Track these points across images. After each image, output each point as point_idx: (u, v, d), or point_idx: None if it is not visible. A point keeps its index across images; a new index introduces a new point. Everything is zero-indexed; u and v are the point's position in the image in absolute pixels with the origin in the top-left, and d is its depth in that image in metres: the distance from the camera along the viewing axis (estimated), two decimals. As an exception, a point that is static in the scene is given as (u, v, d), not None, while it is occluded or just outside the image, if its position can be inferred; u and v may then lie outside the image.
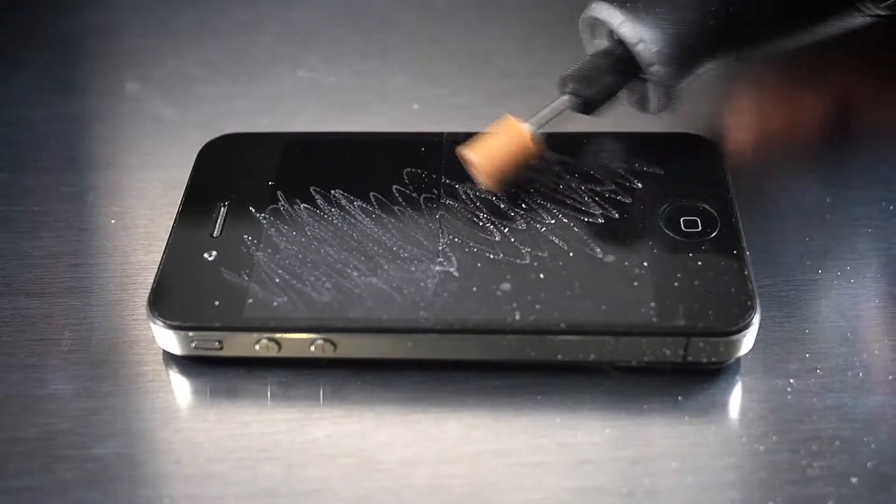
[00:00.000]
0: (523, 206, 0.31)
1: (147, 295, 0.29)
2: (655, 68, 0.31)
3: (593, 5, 0.32)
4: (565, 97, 0.31)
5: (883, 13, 0.32)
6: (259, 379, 0.29)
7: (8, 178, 0.36)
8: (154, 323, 0.29)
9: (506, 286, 0.29)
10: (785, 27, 0.32)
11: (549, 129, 0.31)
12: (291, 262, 0.30)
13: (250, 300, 0.29)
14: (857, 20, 0.33)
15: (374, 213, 0.31)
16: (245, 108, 0.39)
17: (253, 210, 0.32)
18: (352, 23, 0.43)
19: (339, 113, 0.39)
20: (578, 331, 0.28)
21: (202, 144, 0.34)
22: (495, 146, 0.31)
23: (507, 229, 0.31)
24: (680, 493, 0.26)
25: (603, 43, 0.32)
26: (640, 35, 0.30)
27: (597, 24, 0.32)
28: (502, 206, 0.31)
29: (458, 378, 0.29)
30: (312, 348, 0.29)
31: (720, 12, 0.31)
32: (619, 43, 0.31)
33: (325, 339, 0.28)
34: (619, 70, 0.31)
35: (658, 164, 0.32)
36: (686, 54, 0.31)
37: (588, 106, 0.31)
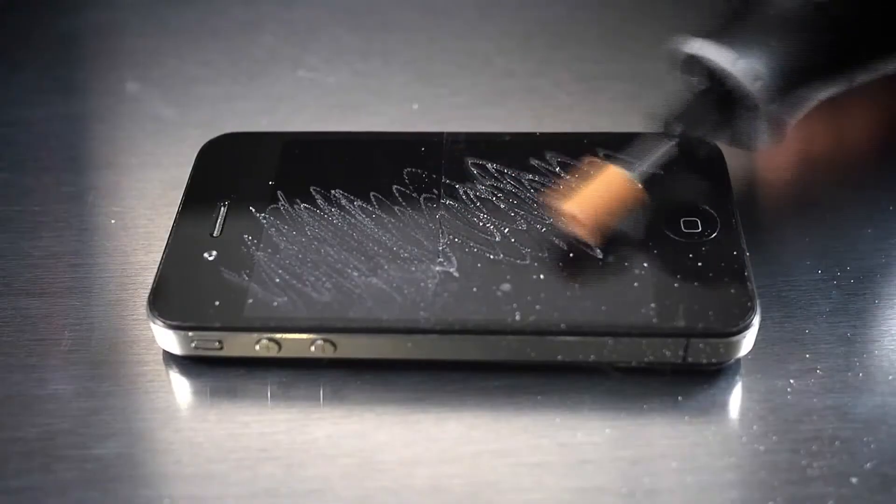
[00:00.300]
0: (523, 206, 0.31)
1: (147, 295, 0.29)
2: (769, 105, 0.30)
3: (687, 41, 0.30)
4: (671, 141, 0.30)
5: None
6: (259, 379, 0.29)
7: (8, 178, 0.36)
8: (154, 323, 0.29)
9: (506, 286, 0.29)
10: (878, 54, 0.31)
11: (648, 171, 0.30)
12: (291, 262, 0.30)
13: (250, 300, 0.29)
14: None
15: (375, 213, 0.31)
16: (245, 108, 0.39)
17: (253, 210, 0.32)
18: (352, 23, 0.43)
19: (339, 113, 0.39)
20: (578, 331, 0.28)
21: (202, 144, 0.34)
22: (594, 196, 0.29)
23: (507, 229, 0.31)
24: (680, 493, 0.26)
25: (699, 79, 0.31)
26: (753, 73, 0.29)
27: (694, 61, 0.30)
28: (502, 206, 0.31)
29: (458, 378, 0.29)
30: (312, 348, 0.29)
31: (827, 44, 0.30)
32: (721, 81, 0.30)
33: (325, 340, 0.28)
34: (723, 108, 0.30)
35: (658, 166, 0.32)
36: (794, 89, 0.30)
37: (690, 145, 0.31)
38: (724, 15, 0.31)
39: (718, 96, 0.30)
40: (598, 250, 0.30)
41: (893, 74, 0.32)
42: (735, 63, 0.29)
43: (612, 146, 0.33)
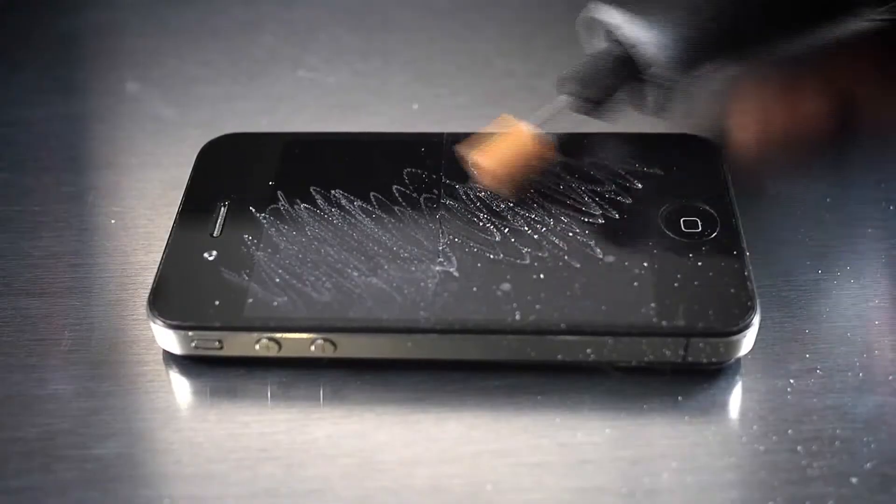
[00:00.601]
0: (523, 206, 0.31)
1: (147, 295, 0.29)
2: (653, 70, 0.31)
3: (591, 6, 0.32)
4: (563, 97, 0.31)
5: (881, 18, 0.32)
6: (259, 379, 0.29)
7: (8, 178, 0.36)
8: (154, 323, 0.29)
9: (506, 286, 0.29)
10: (784, 30, 0.32)
11: (548, 129, 0.31)
12: (291, 262, 0.30)
13: (250, 300, 0.29)
14: (858, 24, 0.33)
15: (375, 213, 0.31)
16: (245, 108, 0.39)
17: (253, 210, 0.32)
18: (352, 23, 0.43)
19: (339, 113, 0.39)
20: (578, 331, 0.28)
21: (202, 144, 0.34)
22: (499, 147, 0.31)
23: (507, 229, 0.31)
24: (680, 493, 0.26)
25: (601, 43, 0.32)
26: (637, 36, 0.30)
27: (595, 25, 0.32)
28: (502, 206, 0.31)
29: (458, 378, 0.29)
30: (312, 348, 0.29)
31: (719, 15, 0.31)
32: (618, 43, 0.31)
33: (325, 339, 0.28)
34: (617, 71, 0.31)
35: (658, 165, 0.32)
36: (685, 56, 0.31)
37: (586, 106, 0.31)
38: None
39: (615, 59, 0.31)
40: (598, 250, 0.30)
41: (783, 57, 0.34)
42: (619, 26, 0.31)
43: (612, 146, 0.33)
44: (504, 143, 0.31)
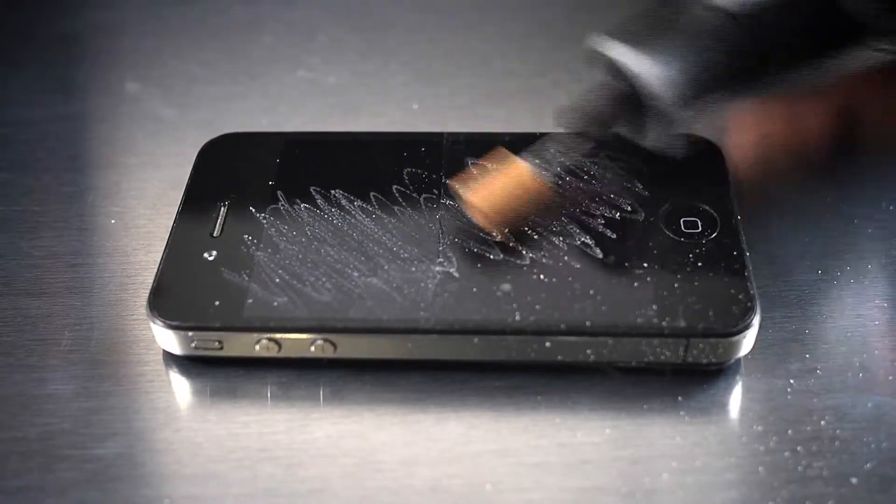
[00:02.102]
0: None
1: (147, 295, 0.29)
2: (656, 104, 0.30)
3: (593, 39, 0.31)
4: (562, 130, 0.31)
5: (890, 49, 0.32)
6: (259, 379, 0.29)
7: (8, 178, 0.36)
8: (154, 323, 0.29)
9: (506, 287, 0.29)
10: (790, 64, 0.32)
11: (542, 161, 0.31)
12: (291, 262, 0.30)
13: (250, 300, 0.29)
14: (866, 57, 0.32)
15: (375, 214, 0.31)
16: (245, 108, 0.39)
17: (253, 210, 0.32)
18: (352, 23, 0.43)
19: (339, 113, 0.39)
20: (578, 331, 0.28)
21: (202, 144, 0.34)
22: (496, 188, 0.30)
23: (506, 229, 0.31)
24: (680, 493, 0.26)
25: (602, 76, 0.31)
26: (641, 70, 0.30)
27: (596, 57, 0.31)
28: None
29: (458, 378, 0.29)
30: (312, 348, 0.29)
31: (723, 49, 0.30)
32: (620, 77, 0.30)
33: (325, 340, 0.28)
34: (618, 104, 0.31)
35: (658, 165, 0.32)
36: (688, 90, 0.30)
37: (585, 140, 0.31)
38: (637, 16, 0.31)
39: (617, 92, 0.31)
40: (598, 250, 0.30)
41: (791, 90, 0.33)
42: (621, 56, 0.30)
43: (611, 146, 0.33)
44: (498, 181, 0.30)
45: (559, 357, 0.28)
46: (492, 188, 0.30)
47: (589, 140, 0.31)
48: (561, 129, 0.31)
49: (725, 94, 0.31)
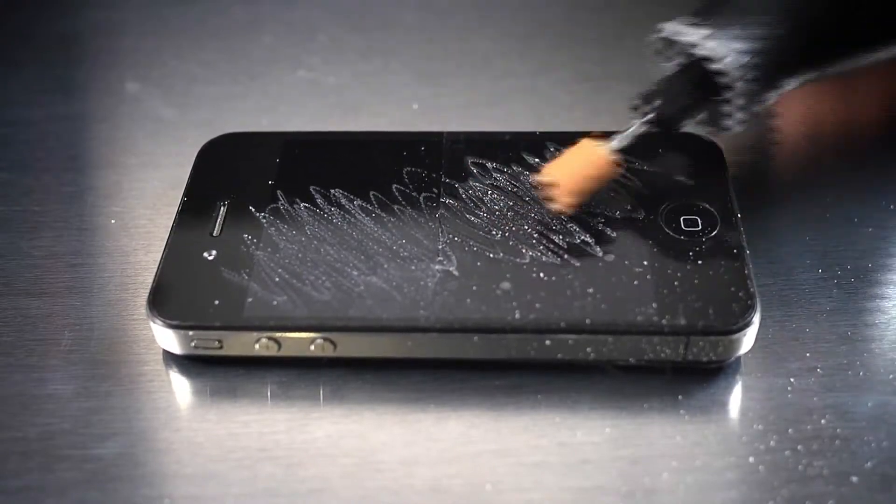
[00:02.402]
0: (523, 204, 0.31)
1: (147, 295, 0.29)
2: (734, 86, 0.30)
3: (671, 24, 0.31)
4: (646, 117, 0.31)
5: None
6: (259, 379, 0.29)
7: (8, 178, 0.36)
8: (154, 322, 0.29)
9: (506, 285, 0.29)
10: (866, 45, 0.32)
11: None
12: (291, 262, 0.30)
13: (250, 299, 0.29)
14: None
15: (374, 213, 0.31)
16: (245, 107, 0.39)
17: (253, 209, 0.32)
18: (352, 23, 0.43)
19: (339, 113, 0.39)
20: (578, 330, 0.28)
21: (202, 144, 0.34)
22: (577, 169, 0.30)
23: (507, 228, 0.31)
24: (680, 493, 0.26)
25: (676, 62, 0.31)
26: (724, 51, 0.29)
27: (671, 42, 0.31)
28: (502, 205, 0.31)
29: (458, 378, 0.29)
30: (312, 348, 0.29)
31: (798, 29, 0.30)
32: (697, 61, 0.30)
33: (324, 339, 0.28)
34: (696, 89, 0.30)
35: (658, 164, 0.32)
36: (765, 72, 0.30)
37: (667, 125, 0.31)
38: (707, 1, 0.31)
39: (693, 77, 0.31)
40: (598, 248, 0.30)
41: (860, 69, 0.33)
42: (704, 41, 0.30)
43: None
44: (577, 163, 0.30)
45: (559, 355, 0.28)
46: (573, 167, 0.30)
47: (666, 129, 0.31)
48: (637, 119, 0.31)
49: (800, 75, 0.31)
